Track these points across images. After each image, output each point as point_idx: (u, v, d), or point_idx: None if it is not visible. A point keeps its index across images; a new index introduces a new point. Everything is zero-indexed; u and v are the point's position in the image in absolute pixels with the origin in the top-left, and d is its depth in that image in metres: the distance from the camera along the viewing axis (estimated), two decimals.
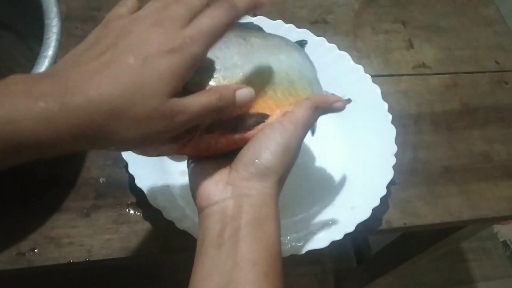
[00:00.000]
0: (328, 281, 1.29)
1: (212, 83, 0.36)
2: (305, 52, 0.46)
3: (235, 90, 0.34)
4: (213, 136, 0.36)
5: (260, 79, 0.39)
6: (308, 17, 0.74)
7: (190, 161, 0.39)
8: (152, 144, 0.34)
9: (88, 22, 0.67)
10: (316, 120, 0.40)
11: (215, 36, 0.32)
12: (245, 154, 0.36)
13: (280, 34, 0.61)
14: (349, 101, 0.42)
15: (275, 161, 0.35)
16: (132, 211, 0.53)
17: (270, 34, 0.44)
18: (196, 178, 0.37)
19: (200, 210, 0.36)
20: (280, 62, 0.40)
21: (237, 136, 0.37)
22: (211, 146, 0.37)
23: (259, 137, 0.36)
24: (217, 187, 0.35)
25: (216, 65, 0.37)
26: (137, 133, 0.30)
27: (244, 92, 0.35)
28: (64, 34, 0.56)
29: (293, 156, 0.37)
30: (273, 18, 0.66)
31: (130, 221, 0.52)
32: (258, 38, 0.41)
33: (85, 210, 0.52)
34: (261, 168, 0.35)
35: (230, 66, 0.37)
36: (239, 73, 0.37)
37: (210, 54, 0.36)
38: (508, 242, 1.49)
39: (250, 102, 0.36)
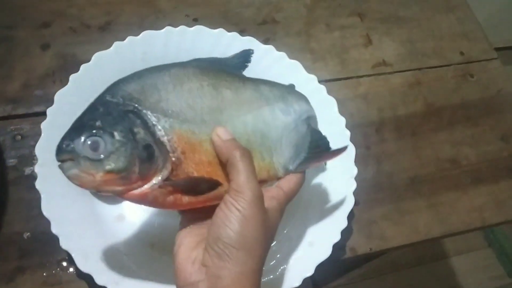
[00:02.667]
0: None
1: (180, 132, 0.36)
2: (282, 103, 0.43)
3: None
4: (162, 192, 0.36)
5: None
6: (256, 17, 0.67)
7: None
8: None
9: None
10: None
11: None
12: (210, 234, 0.34)
13: (223, 45, 0.55)
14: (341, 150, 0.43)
15: (236, 238, 0.33)
16: (63, 270, 0.47)
17: (247, 81, 0.42)
18: (178, 248, 0.36)
19: None
20: (245, 125, 0.39)
21: (186, 198, 0.36)
22: (157, 201, 0.36)
23: (218, 215, 0.34)
24: (193, 266, 0.34)
25: (187, 114, 0.37)
26: None
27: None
28: None
29: (256, 229, 0.34)
30: (215, 22, 0.59)
31: (61, 281, 0.46)
32: (229, 90, 0.40)
33: (8, 274, 0.46)
34: (225, 246, 0.33)
35: (199, 121, 0.37)
36: (205, 132, 0.37)
37: (185, 100, 0.37)
38: None
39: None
